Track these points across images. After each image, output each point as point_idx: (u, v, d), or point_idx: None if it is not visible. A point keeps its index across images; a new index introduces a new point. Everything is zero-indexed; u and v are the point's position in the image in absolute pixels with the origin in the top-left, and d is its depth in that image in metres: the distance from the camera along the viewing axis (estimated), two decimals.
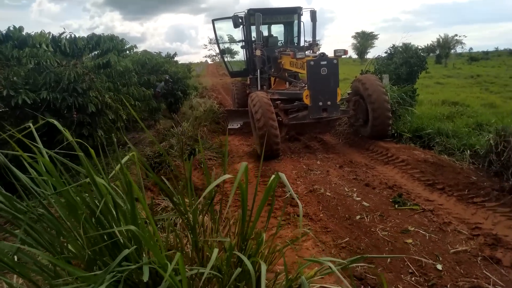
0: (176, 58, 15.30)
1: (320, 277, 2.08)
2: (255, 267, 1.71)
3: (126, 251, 1.46)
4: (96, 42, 6.34)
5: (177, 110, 12.09)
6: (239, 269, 1.60)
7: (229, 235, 2.05)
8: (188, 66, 18.08)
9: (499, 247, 3.23)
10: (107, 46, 6.75)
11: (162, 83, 9.93)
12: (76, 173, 2.32)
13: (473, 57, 50.56)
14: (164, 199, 4.22)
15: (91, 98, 5.31)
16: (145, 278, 1.38)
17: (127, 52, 8.99)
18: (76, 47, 6.01)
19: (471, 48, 64.93)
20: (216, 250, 1.48)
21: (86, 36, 6.29)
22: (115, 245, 1.77)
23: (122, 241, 1.72)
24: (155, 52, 13.99)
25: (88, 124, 5.45)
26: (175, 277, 1.34)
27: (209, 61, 52.14)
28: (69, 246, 1.92)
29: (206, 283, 1.82)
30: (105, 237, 1.81)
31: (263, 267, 1.58)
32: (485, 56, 58.40)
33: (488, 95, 14.12)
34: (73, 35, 5.97)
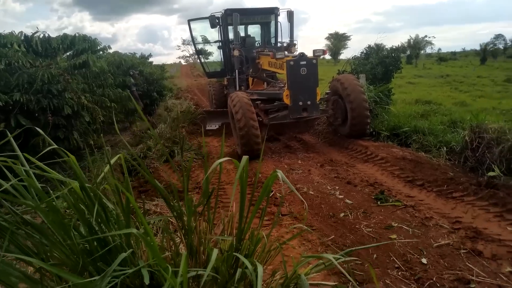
0: (149, 60, 15.07)
1: (314, 274, 2.08)
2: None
3: (123, 255, 1.41)
4: (70, 41, 6.13)
5: (152, 112, 11.90)
6: (240, 270, 1.57)
7: (224, 235, 2.02)
8: (162, 67, 17.76)
9: (480, 240, 3.34)
10: (82, 46, 6.56)
11: (131, 79, 9.75)
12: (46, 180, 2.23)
13: (442, 57, 52.55)
14: (146, 202, 4.13)
15: (67, 99, 5.14)
16: (146, 281, 1.34)
17: (101, 52, 8.78)
18: (50, 47, 5.79)
19: (439, 49, 67.53)
20: (216, 251, 1.45)
21: (60, 35, 6.09)
22: (107, 250, 1.71)
23: (115, 246, 1.66)
24: (129, 53, 13.69)
25: (63, 127, 5.27)
26: (175, 279, 1.30)
27: (183, 62, 51.58)
28: (55, 254, 1.84)
29: (202, 285, 1.78)
30: (95, 243, 1.75)
31: (260, 268, 1.57)
32: (453, 56, 60.86)
33: (458, 94, 14.66)
34: (46, 35, 5.76)
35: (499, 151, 4.78)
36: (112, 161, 2.04)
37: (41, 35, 5.79)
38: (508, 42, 63.66)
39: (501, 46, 60.69)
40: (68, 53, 6.61)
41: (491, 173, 4.67)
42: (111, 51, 9.64)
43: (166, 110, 11.71)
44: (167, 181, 5.33)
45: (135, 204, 1.54)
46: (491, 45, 53.84)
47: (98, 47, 7.82)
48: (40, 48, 5.71)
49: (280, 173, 1.73)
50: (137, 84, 10.23)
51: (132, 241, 1.82)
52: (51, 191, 1.87)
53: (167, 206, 1.88)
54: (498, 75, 26.22)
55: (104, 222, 1.78)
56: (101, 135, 5.26)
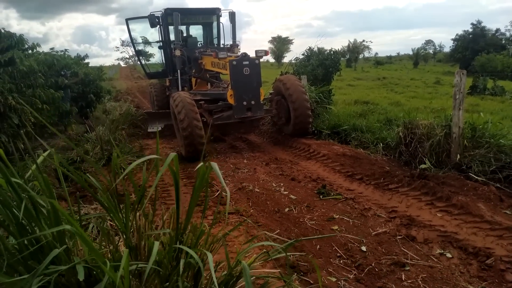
0: (86, 61, 14.19)
1: (259, 263, 2.07)
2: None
3: (56, 251, 1.32)
4: None
5: (89, 115, 11.28)
6: (183, 260, 1.52)
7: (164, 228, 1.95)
8: (100, 69, 16.82)
9: (413, 226, 3.56)
10: (8, 43, 6.06)
11: (64, 79, 9.20)
12: None
13: (379, 61, 55.91)
14: (84, 206, 3.89)
15: None
16: (81, 277, 1.25)
17: (29, 51, 8.16)
18: None
19: (376, 53, 71.75)
20: (157, 244, 1.39)
21: None
22: (39, 249, 1.58)
23: (47, 244, 1.54)
24: (61, 52, 12.80)
25: None
26: (115, 273, 1.22)
27: (122, 64, 49.54)
28: None
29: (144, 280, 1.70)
30: (25, 241, 1.60)
31: (210, 256, 1.54)
32: (389, 60, 65.03)
33: (393, 95, 15.64)
34: None
35: (429, 145, 5.14)
36: (39, 160, 1.89)
37: None
38: (437, 47, 69.62)
39: (431, 51, 66.21)
40: None
41: (422, 166, 5.01)
42: (41, 49, 8.97)
43: (104, 113, 11.18)
44: (106, 184, 5.07)
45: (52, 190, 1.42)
46: (423, 50, 58.37)
47: (26, 46, 7.28)
48: None
49: (213, 164, 1.70)
50: (70, 85, 9.63)
51: (66, 240, 1.70)
52: None
53: (98, 202, 1.77)
54: (429, 77, 28.49)
55: (34, 220, 1.64)
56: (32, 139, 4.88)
